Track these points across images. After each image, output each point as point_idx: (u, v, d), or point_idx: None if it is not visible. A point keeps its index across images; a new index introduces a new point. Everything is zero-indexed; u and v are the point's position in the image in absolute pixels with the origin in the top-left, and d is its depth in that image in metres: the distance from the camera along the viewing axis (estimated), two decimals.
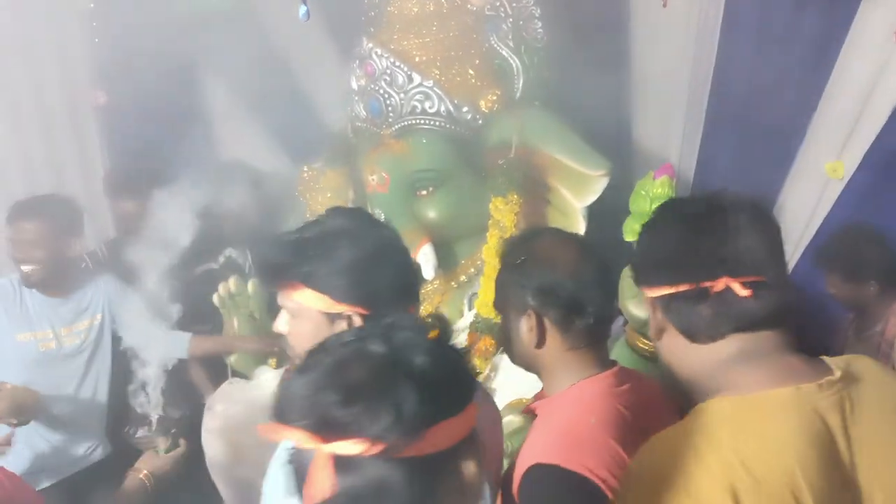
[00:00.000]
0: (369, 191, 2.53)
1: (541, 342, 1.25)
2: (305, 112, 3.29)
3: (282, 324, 1.30)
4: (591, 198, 2.35)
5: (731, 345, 1.00)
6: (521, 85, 2.47)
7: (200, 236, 2.32)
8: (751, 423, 0.93)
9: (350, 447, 0.72)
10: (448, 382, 0.79)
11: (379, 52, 2.41)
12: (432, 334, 0.83)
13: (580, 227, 2.38)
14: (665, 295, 1.04)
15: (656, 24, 2.66)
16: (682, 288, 1.01)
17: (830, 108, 2.44)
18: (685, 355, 1.05)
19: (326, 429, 0.73)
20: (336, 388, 0.74)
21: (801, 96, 2.49)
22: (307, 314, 1.24)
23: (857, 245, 2.35)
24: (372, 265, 1.23)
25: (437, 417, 0.75)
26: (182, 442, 2.01)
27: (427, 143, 2.41)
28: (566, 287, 1.23)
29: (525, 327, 1.25)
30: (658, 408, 1.26)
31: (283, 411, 0.77)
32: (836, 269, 2.41)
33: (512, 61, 2.45)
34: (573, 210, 2.39)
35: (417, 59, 2.43)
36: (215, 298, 2.39)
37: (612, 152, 2.40)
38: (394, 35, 2.49)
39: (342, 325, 1.24)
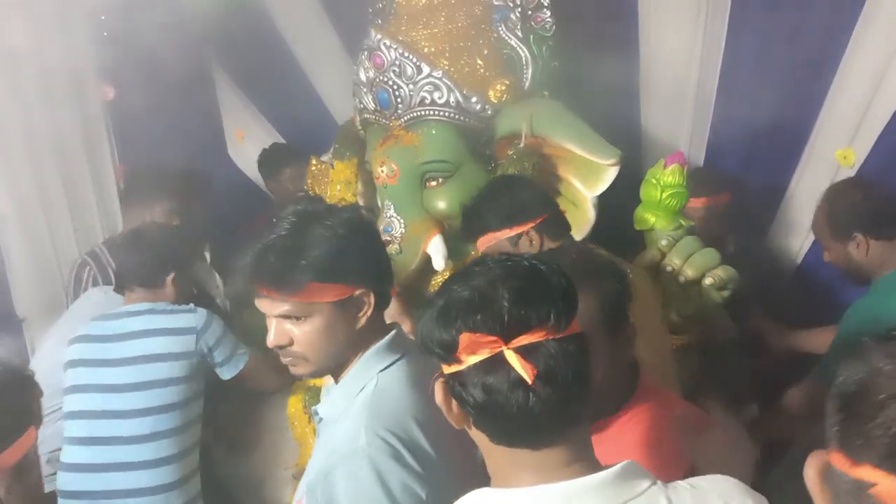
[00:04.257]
0: (379, 183, 2.52)
1: None
2: (313, 105, 3.29)
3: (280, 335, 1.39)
4: (602, 187, 2.33)
5: None
6: (529, 75, 2.45)
7: None
8: None
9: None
10: None
11: (387, 43, 2.39)
12: None
13: (590, 217, 2.37)
14: None
15: (665, 11, 2.65)
16: None
17: (841, 94, 2.43)
18: None
19: None
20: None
21: (811, 83, 2.48)
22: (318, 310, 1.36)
23: (839, 195, 2.29)
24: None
25: None
26: None
27: (436, 133, 2.40)
28: None
29: None
30: None
31: None
32: (822, 225, 2.32)
33: (521, 51, 2.44)
34: (583, 200, 2.37)
35: (426, 49, 2.42)
36: None
37: (622, 142, 2.39)
38: (402, 26, 2.48)
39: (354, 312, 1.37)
